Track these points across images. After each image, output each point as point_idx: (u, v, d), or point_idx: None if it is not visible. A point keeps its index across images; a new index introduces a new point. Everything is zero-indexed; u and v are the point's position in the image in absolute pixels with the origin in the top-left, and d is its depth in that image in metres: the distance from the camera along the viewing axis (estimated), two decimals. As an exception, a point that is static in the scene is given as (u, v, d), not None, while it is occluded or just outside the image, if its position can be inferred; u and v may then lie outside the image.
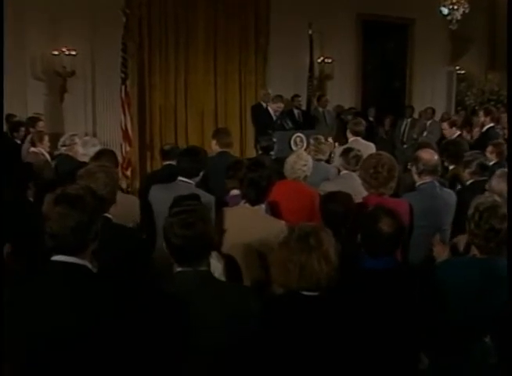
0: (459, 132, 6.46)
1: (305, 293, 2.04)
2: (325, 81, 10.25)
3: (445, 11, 8.21)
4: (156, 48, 8.69)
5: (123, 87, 7.59)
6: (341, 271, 2.06)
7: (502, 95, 10.50)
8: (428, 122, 9.24)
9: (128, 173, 7.64)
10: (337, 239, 2.17)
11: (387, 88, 11.36)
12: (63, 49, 7.83)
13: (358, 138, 5.44)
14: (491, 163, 4.52)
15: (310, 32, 9.23)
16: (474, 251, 2.53)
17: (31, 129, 6.51)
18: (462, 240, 2.90)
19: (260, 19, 9.36)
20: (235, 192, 3.54)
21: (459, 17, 8.18)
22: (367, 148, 5.04)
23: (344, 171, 4.24)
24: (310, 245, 2.02)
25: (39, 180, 3.49)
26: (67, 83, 8.05)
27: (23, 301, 1.74)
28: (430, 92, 11.16)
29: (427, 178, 3.50)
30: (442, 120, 8.69)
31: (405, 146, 9.36)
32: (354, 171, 4.03)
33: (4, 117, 6.32)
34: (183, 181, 3.52)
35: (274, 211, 3.22)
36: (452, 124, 6.38)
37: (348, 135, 5.55)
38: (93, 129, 8.34)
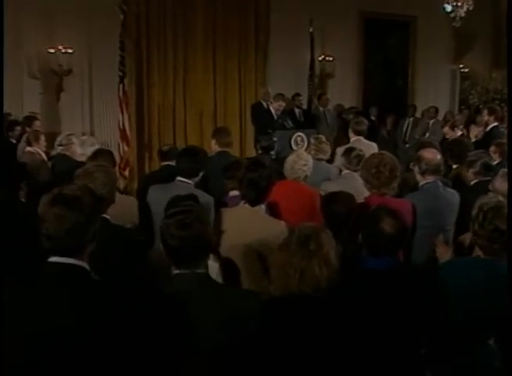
0: (460, 133, 6.43)
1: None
2: (326, 79, 10.20)
3: (449, 8, 8.12)
4: (155, 46, 8.60)
5: (120, 85, 7.50)
6: (343, 272, 2.06)
7: (507, 94, 10.43)
8: (431, 121, 9.21)
9: (126, 173, 7.57)
10: (338, 239, 2.17)
11: (389, 87, 11.25)
12: (60, 47, 7.72)
13: (361, 137, 5.44)
14: (494, 162, 4.48)
15: (311, 29, 9.16)
16: (478, 252, 2.51)
17: (27, 128, 6.45)
18: (468, 238, 2.87)
19: (260, 16, 9.28)
20: (234, 193, 3.52)
21: (462, 14, 8.08)
22: (369, 148, 5.04)
23: (346, 171, 4.24)
24: (310, 250, 2.01)
25: (32, 180, 3.46)
26: (64, 81, 7.95)
27: (22, 302, 1.73)
28: (433, 90, 11.09)
29: (430, 178, 3.48)
30: (445, 119, 8.67)
31: (407, 145, 9.32)
32: (355, 171, 4.02)
33: (4, 117, 6.27)
34: (182, 181, 3.52)
35: (274, 211, 3.21)
36: (453, 126, 6.36)
37: (350, 134, 5.54)
38: (90, 128, 8.25)
